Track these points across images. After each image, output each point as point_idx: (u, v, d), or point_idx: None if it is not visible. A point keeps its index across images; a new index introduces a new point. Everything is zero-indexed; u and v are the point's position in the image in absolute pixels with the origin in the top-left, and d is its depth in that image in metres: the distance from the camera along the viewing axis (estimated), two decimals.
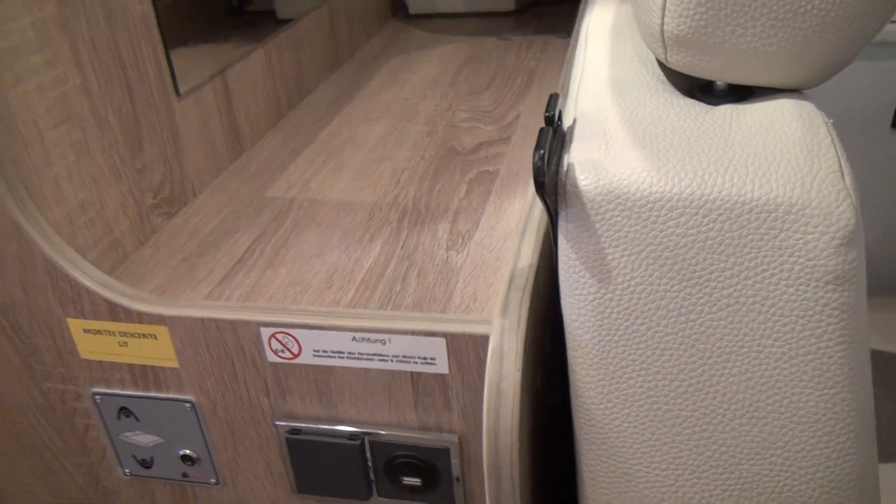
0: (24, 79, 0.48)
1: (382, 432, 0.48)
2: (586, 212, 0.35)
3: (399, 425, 0.48)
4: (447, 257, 0.54)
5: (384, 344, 0.46)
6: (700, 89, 0.41)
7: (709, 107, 0.39)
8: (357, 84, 0.92)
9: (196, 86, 0.67)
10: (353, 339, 0.46)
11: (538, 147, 0.34)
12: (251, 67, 0.76)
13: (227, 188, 0.68)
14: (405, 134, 0.76)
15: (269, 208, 0.64)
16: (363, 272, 0.53)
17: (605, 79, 0.44)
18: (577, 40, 0.55)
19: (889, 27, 1.04)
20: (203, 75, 0.68)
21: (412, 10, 1.18)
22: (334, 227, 0.60)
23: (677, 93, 0.41)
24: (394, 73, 0.95)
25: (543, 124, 0.50)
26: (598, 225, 0.35)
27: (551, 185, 0.36)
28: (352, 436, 0.49)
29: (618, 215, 0.35)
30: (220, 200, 0.66)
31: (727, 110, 0.38)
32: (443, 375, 0.46)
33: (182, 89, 0.65)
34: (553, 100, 0.38)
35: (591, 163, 0.36)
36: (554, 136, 0.38)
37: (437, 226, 0.59)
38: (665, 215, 0.34)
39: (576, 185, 0.35)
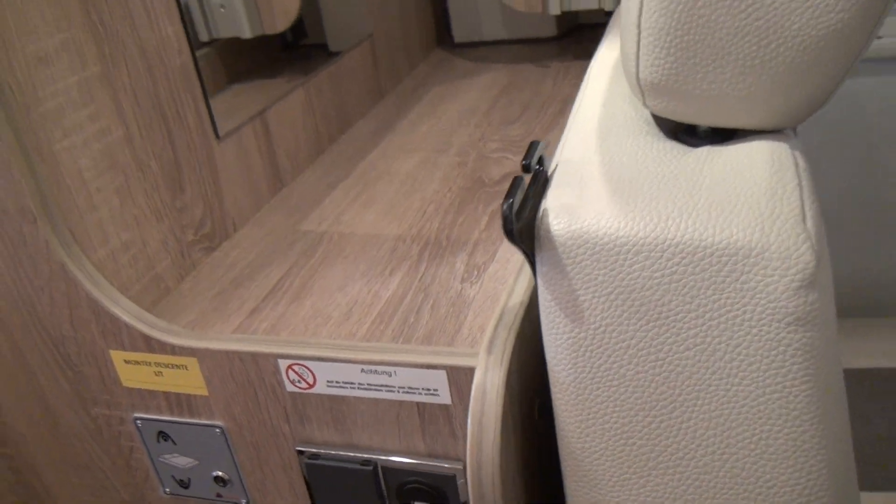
0: (69, 134, 0.53)
1: (394, 459, 0.51)
2: (559, 255, 0.37)
3: (409, 452, 0.51)
4: (461, 290, 0.57)
5: (390, 376, 0.48)
6: (684, 130, 0.42)
7: (687, 149, 0.40)
8: (397, 116, 0.95)
9: (235, 127, 0.71)
10: (362, 370, 0.49)
11: (508, 195, 0.36)
12: (291, 106, 0.81)
13: (265, 222, 0.72)
14: (437, 166, 0.79)
15: (302, 242, 0.67)
16: (381, 305, 0.56)
17: (594, 121, 0.45)
18: (586, 77, 0.57)
19: None
20: (247, 114, 0.73)
21: (457, 38, 1.22)
22: (359, 260, 0.63)
23: (659, 135, 0.42)
24: (433, 104, 0.98)
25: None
26: (570, 268, 0.37)
27: (527, 229, 0.38)
28: (365, 461, 0.52)
29: (588, 258, 0.36)
30: (258, 234, 0.70)
31: (703, 153, 0.40)
32: (446, 406, 0.48)
33: (223, 131, 0.70)
34: (532, 147, 0.40)
35: (564, 208, 0.38)
36: (534, 182, 0.40)
37: (455, 258, 0.61)
38: (632, 259, 0.36)
39: (549, 230, 0.37)
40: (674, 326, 0.36)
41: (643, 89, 0.39)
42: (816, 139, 1.11)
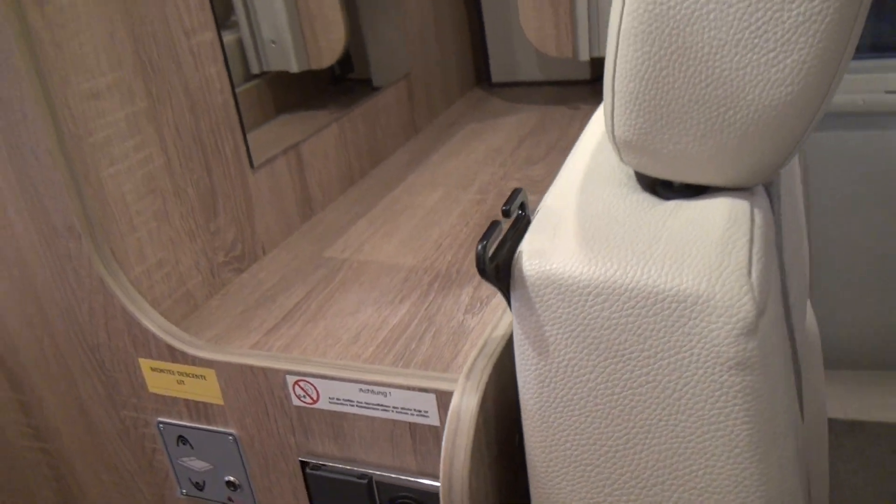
0: (115, 162, 0.59)
1: (387, 474, 0.55)
2: (530, 294, 0.41)
3: (401, 469, 0.55)
4: (463, 320, 0.61)
5: (385, 396, 0.52)
6: (661, 184, 0.46)
7: (659, 202, 0.44)
8: (429, 151, 1.00)
9: (270, 158, 0.77)
10: (360, 390, 0.53)
11: (482, 238, 0.40)
12: (325, 140, 0.86)
13: (293, 248, 0.77)
14: (457, 202, 0.84)
15: (325, 267, 0.72)
16: (387, 330, 0.60)
17: (582, 170, 0.49)
18: (587, 126, 0.61)
19: None
20: (286, 145, 0.79)
21: (494, 78, 1.27)
22: (374, 287, 0.67)
23: (636, 187, 0.46)
24: (464, 141, 1.03)
25: None
26: (539, 306, 0.41)
27: (505, 269, 0.42)
28: (361, 475, 0.55)
29: (555, 298, 0.40)
30: (286, 258, 0.75)
31: (671, 206, 0.43)
32: (435, 427, 0.52)
33: (259, 161, 0.76)
34: (514, 194, 0.44)
35: (538, 251, 0.42)
36: (515, 225, 0.44)
37: (461, 290, 0.65)
38: (593, 300, 0.39)
39: (521, 271, 0.41)
40: (628, 364, 0.39)
41: (618, 146, 0.43)
42: (844, 191, 1.12)
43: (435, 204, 0.84)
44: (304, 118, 0.98)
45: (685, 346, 0.37)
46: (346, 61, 1.12)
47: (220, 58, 0.70)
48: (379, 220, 0.81)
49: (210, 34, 0.69)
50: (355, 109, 0.93)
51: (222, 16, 0.90)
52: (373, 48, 1.10)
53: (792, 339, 0.56)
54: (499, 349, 0.49)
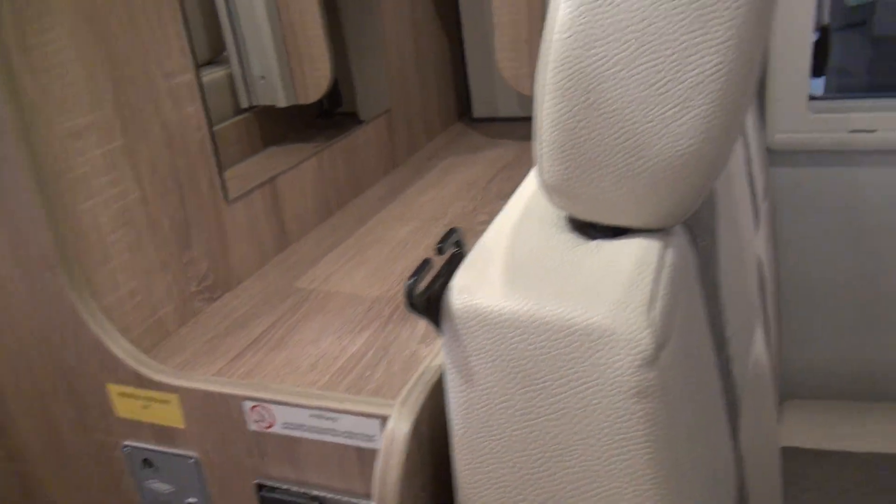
0: (92, 196, 0.62)
1: (337, 496, 0.58)
2: (455, 326, 0.44)
3: (350, 491, 0.57)
4: (416, 350, 0.64)
5: (334, 421, 0.55)
6: (587, 225, 0.49)
7: (582, 241, 0.47)
8: (407, 184, 1.04)
9: (246, 192, 0.81)
10: (311, 415, 0.56)
11: (412, 275, 0.43)
12: (303, 174, 0.90)
13: (265, 277, 0.80)
14: (427, 235, 0.87)
15: (293, 297, 0.76)
16: (344, 359, 0.63)
17: (519, 210, 0.52)
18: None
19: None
20: (264, 177, 0.83)
21: (476, 113, 1.31)
22: (337, 317, 0.70)
23: (565, 228, 0.49)
24: (441, 174, 1.07)
25: None
26: (465, 337, 0.44)
27: (435, 303, 0.45)
28: (313, 497, 0.58)
29: (479, 330, 0.43)
30: (257, 288, 0.78)
31: (593, 246, 0.46)
32: (380, 451, 0.54)
33: (234, 195, 0.79)
34: (449, 233, 0.48)
35: (466, 287, 0.45)
36: (451, 262, 0.48)
37: (417, 321, 0.68)
38: (513, 332, 0.42)
39: (449, 304, 0.44)
40: (543, 392, 0.42)
41: (546, 190, 0.47)
42: (813, 225, 1.16)
43: (405, 236, 0.87)
44: (291, 150, 1.02)
45: (592, 376, 0.40)
46: (335, 95, 1.17)
47: (199, 97, 0.74)
48: (350, 252, 0.85)
49: (189, 76, 0.73)
50: (335, 144, 0.97)
51: (214, 52, 0.94)
52: (359, 83, 1.14)
53: (725, 370, 0.59)
54: (436, 377, 0.52)
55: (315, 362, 0.63)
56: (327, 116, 1.16)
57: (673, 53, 0.40)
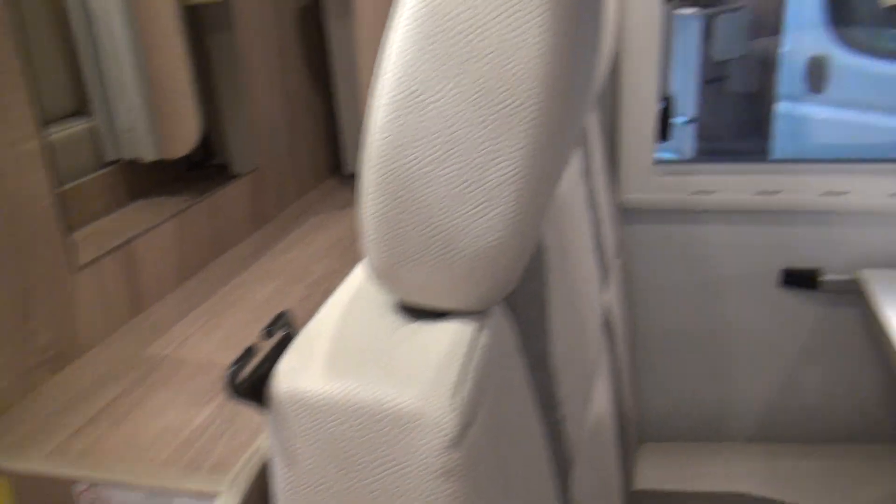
0: None
1: None
2: (279, 409, 0.45)
3: None
4: (262, 421, 0.64)
5: (169, 501, 0.55)
6: (414, 308, 0.51)
7: (405, 323, 0.49)
8: (273, 243, 1.04)
9: (96, 258, 0.79)
10: (145, 496, 0.55)
11: (232, 363, 0.44)
12: (161, 235, 0.89)
13: (116, 344, 0.79)
14: (288, 296, 0.88)
15: (143, 367, 0.74)
16: (188, 431, 0.63)
17: (351, 291, 0.54)
18: None
19: (770, 198, 1.15)
20: (124, 238, 0.81)
21: (348, 169, 1.33)
22: (184, 388, 0.70)
23: (392, 310, 0.51)
24: (309, 232, 1.08)
25: None
26: (289, 421, 0.45)
27: (260, 386, 0.46)
28: None
29: (300, 413, 0.45)
30: (105, 357, 0.77)
31: (413, 327, 0.48)
32: None
33: (84, 260, 0.78)
34: (279, 317, 0.49)
35: (290, 370, 0.46)
36: (279, 345, 0.49)
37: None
38: (329, 416, 0.44)
39: (275, 388, 0.45)
40: (360, 473, 0.44)
41: (373, 273, 0.49)
42: (665, 278, 1.24)
43: (265, 298, 0.88)
44: (158, 204, 1.00)
45: (404, 458, 0.42)
46: (207, 147, 1.16)
47: (43, 165, 0.73)
48: (207, 314, 0.84)
49: (34, 143, 0.72)
50: (200, 202, 0.96)
51: (82, 102, 0.92)
52: (230, 137, 1.14)
53: (556, 430, 0.63)
54: (268, 454, 0.53)
55: (158, 436, 0.63)
56: (199, 168, 1.15)
57: (477, 157, 0.43)
